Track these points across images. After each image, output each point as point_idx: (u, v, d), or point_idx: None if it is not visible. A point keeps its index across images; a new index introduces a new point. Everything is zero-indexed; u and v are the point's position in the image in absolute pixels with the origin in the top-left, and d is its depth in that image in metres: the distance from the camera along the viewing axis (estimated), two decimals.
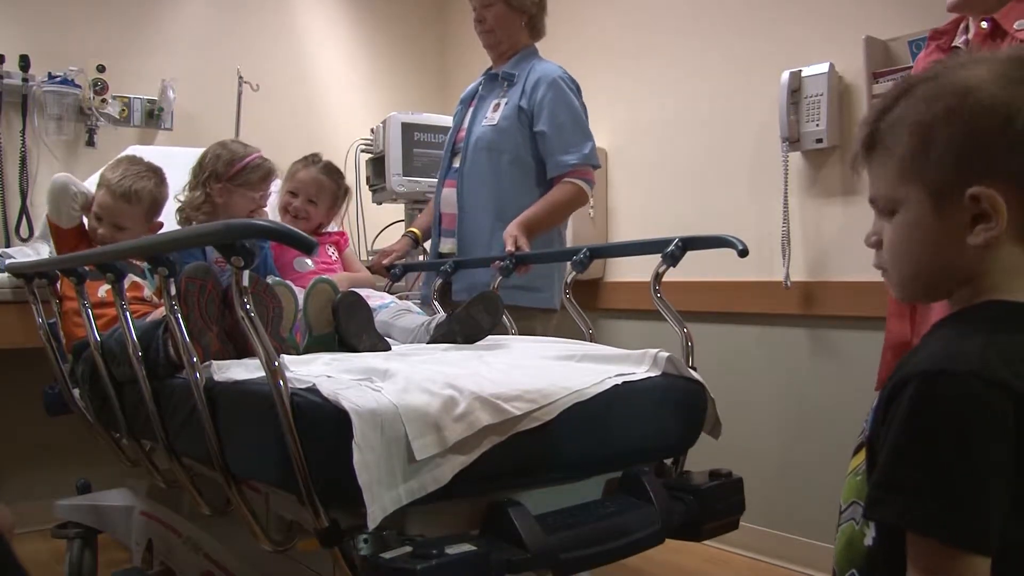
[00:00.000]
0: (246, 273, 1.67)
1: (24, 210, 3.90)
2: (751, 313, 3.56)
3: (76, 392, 2.65)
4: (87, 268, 2.35)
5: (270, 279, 2.27)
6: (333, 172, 3.24)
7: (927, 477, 0.98)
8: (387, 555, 1.50)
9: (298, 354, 2.11)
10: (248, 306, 1.66)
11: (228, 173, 2.88)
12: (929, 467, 0.98)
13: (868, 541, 1.10)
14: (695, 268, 3.48)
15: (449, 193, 3.26)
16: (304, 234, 1.58)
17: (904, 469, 1.00)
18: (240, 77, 4.27)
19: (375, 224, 4.37)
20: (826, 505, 3.07)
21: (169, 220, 2.95)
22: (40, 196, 3.79)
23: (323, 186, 3.18)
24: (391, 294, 3.05)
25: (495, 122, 3.16)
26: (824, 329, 3.33)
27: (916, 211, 1.10)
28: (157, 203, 2.89)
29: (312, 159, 3.23)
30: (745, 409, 3.36)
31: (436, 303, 2.95)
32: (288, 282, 2.35)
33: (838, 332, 3.28)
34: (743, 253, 2.22)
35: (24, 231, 3.89)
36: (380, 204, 4.34)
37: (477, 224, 3.12)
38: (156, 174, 2.91)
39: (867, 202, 1.18)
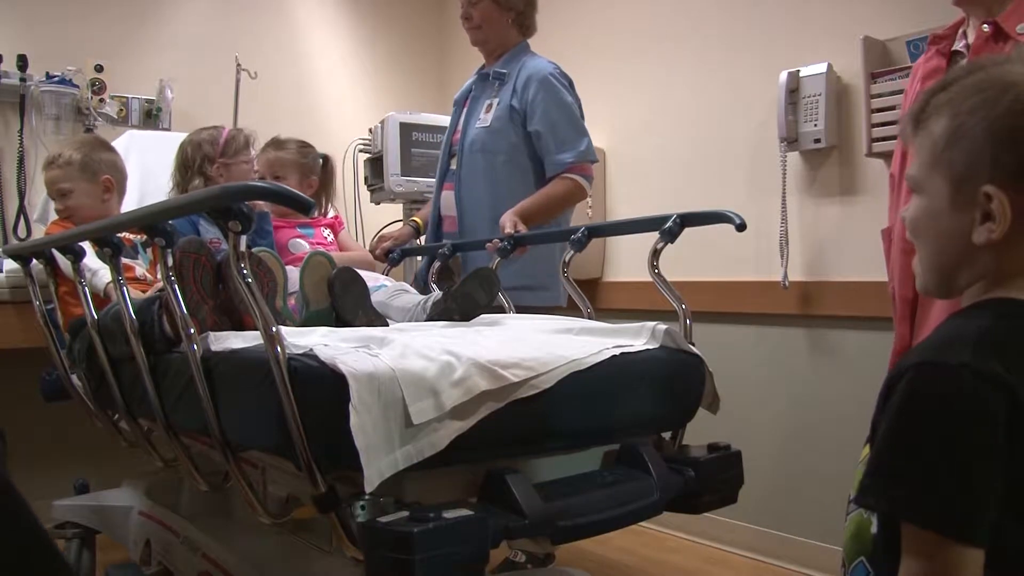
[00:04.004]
0: (243, 238, 1.66)
1: (21, 210, 3.89)
2: (749, 313, 3.55)
3: (75, 378, 2.64)
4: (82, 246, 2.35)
5: (255, 249, 2.25)
6: (292, 143, 3.25)
7: (917, 467, 0.99)
8: (384, 519, 1.49)
9: (295, 327, 2.10)
10: (245, 271, 1.65)
11: (217, 151, 2.92)
12: (919, 457, 0.99)
13: (874, 529, 1.11)
14: (694, 268, 3.50)
15: (448, 195, 3.27)
16: (300, 194, 1.57)
17: (895, 458, 1.01)
18: (238, 65, 4.27)
19: (373, 224, 4.35)
20: (825, 505, 3.07)
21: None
22: (38, 196, 3.79)
23: (283, 161, 3.18)
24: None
25: (488, 123, 3.16)
26: (822, 329, 3.32)
27: (936, 200, 1.10)
28: (89, 159, 2.95)
29: (271, 142, 3.26)
30: (743, 409, 3.34)
31: (434, 286, 2.94)
32: (271, 250, 2.35)
33: (836, 332, 3.28)
34: (741, 227, 2.21)
35: (22, 231, 3.87)
36: (378, 204, 4.35)
37: (476, 225, 3.12)
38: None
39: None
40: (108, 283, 2.45)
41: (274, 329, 1.58)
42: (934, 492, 0.97)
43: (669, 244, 2.34)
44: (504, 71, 3.20)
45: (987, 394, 0.97)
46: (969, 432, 0.97)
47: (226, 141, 2.94)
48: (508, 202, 3.02)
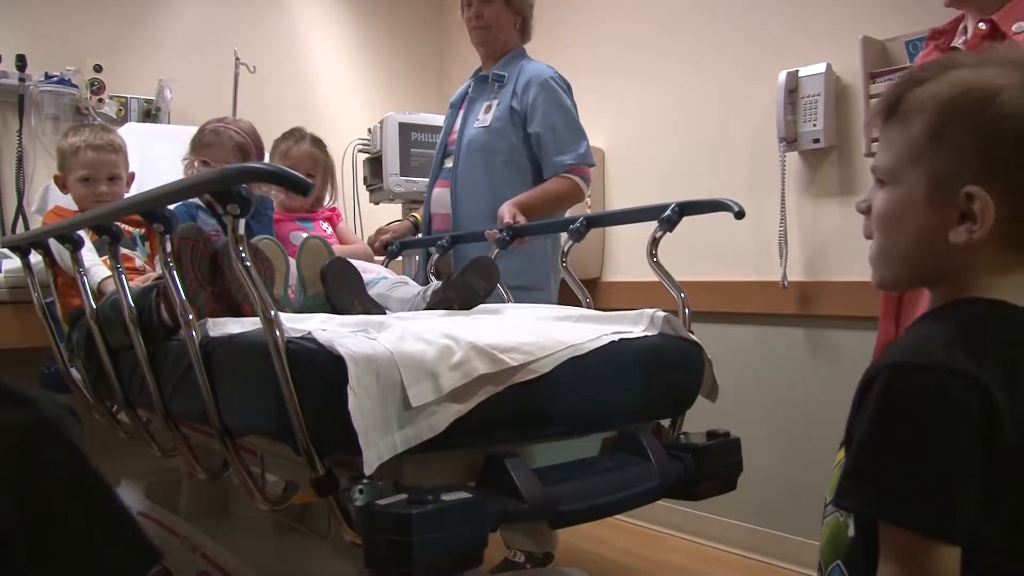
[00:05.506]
0: (242, 222, 1.66)
1: (20, 210, 3.89)
2: (748, 313, 3.55)
3: (73, 371, 2.64)
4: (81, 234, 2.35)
5: (257, 238, 2.25)
6: (321, 143, 3.27)
7: (894, 466, 0.99)
8: (382, 502, 1.49)
9: (294, 313, 2.09)
10: (244, 254, 1.65)
11: (193, 144, 2.91)
12: (896, 457, 0.99)
13: (851, 532, 1.11)
14: (693, 268, 3.50)
15: (441, 193, 3.26)
16: (299, 175, 1.57)
17: (872, 459, 1.02)
18: (237, 59, 4.29)
19: (373, 224, 4.34)
20: (824, 505, 3.07)
21: None
22: (36, 195, 3.78)
23: (317, 159, 3.20)
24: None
25: (487, 124, 3.15)
26: (821, 329, 3.33)
27: (912, 193, 1.10)
28: (126, 150, 2.94)
29: (299, 134, 3.24)
30: (742, 408, 3.33)
31: (432, 277, 2.94)
32: (274, 238, 2.34)
33: (835, 332, 3.28)
34: (739, 215, 2.21)
35: (21, 231, 3.86)
36: (377, 204, 4.35)
37: (471, 224, 3.10)
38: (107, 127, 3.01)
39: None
40: (101, 280, 2.45)
41: (272, 312, 1.58)
42: (911, 491, 0.98)
43: (668, 233, 2.34)
44: (503, 73, 3.20)
45: (962, 393, 0.98)
46: (945, 431, 0.98)
47: (197, 137, 2.92)
48: (506, 201, 3.01)
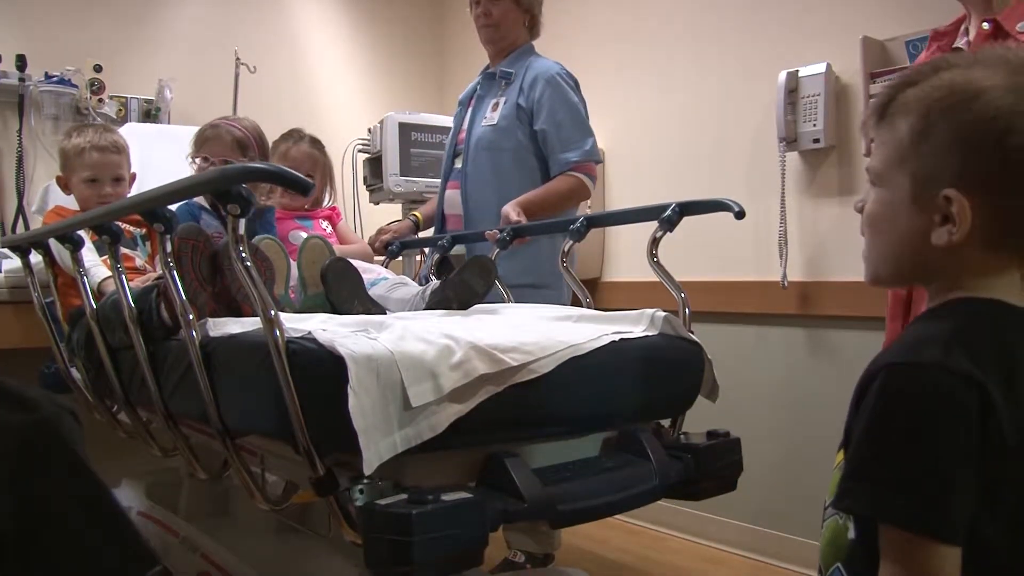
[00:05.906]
0: (242, 222, 1.65)
1: (20, 210, 3.89)
2: (748, 313, 3.55)
3: (73, 371, 2.63)
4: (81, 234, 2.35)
5: (258, 238, 2.24)
6: (319, 144, 3.28)
7: (893, 467, 0.99)
8: (382, 502, 1.49)
9: (295, 313, 2.09)
10: (244, 254, 1.65)
11: (194, 141, 2.88)
12: (895, 457, 0.99)
13: (851, 535, 1.11)
14: (693, 268, 3.49)
15: (452, 195, 3.26)
16: (299, 174, 1.57)
17: (871, 459, 1.02)
18: (237, 59, 4.29)
19: (372, 224, 4.34)
20: (824, 505, 3.06)
21: None
22: (36, 195, 3.78)
23: (316, 160, 3.22)
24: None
25: (495, 121, 3.16)
26: (821, 329, 3.33)
27: (897, 195, 1.11)
28: (128, 151, 2.93)
29: (297, 135, 3.25)
30: (742, 409, 3.32)
31: (433, 278, 2.93)
32: (275, 238, 2.34)
33: (835, 332, 3.28)
34: (740, 215, 2.21)
35: (21, 231, 3.86)
36: (377, 204, 4.35)
37: (483, 223, 3.09)
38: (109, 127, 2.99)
39: None
40: (101, 280, 2.45)
41: (272, 312, 1.58)
42: (910, 492, 0.97)
43: (668, 233, 2.34)
44: (511, 71, 3.20)
45: (960, 392, 0.98)
46: (943, 430, 0.98)
47: (194, 135, 2.90)
48: (515, 199, 3.01)
